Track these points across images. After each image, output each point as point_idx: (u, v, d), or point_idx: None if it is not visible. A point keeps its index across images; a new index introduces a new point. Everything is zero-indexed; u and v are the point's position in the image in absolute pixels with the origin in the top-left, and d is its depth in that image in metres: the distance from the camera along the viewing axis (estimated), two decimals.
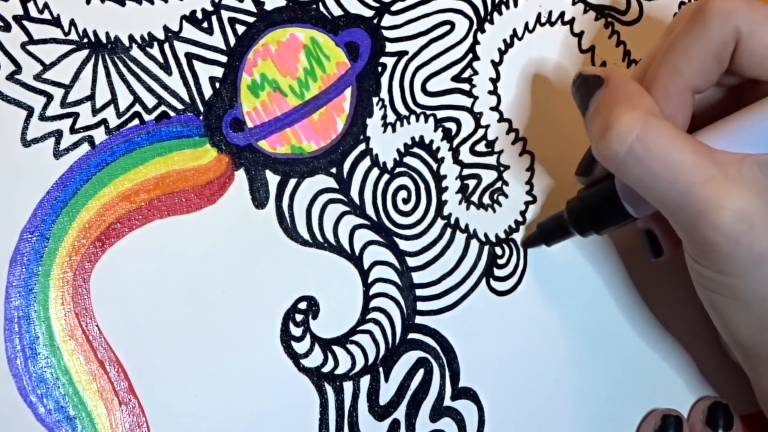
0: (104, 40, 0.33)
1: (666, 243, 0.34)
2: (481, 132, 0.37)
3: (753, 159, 0.28)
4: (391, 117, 0.36)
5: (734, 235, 0.27)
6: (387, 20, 0.36)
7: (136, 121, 0.33)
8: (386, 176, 0.36)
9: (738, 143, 0.28)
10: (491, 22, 0.37)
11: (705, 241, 0.28)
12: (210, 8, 0.34)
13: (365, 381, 0.35)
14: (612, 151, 0.28)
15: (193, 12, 0.34)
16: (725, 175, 0.27)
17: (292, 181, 0.35)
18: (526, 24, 0.37)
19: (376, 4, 0.36)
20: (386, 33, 0.36)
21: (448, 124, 0.36)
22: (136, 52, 0.34)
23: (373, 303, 0.35)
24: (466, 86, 0.37)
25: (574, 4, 0.38)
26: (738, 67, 0.29)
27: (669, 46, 0.30)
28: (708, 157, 0.28)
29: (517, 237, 0.37)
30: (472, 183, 0.36)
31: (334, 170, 0.35)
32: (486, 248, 0.36)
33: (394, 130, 0.36)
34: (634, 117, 0.28)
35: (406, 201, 0.36)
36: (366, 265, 0.35)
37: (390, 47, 0.36)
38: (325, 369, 0.34)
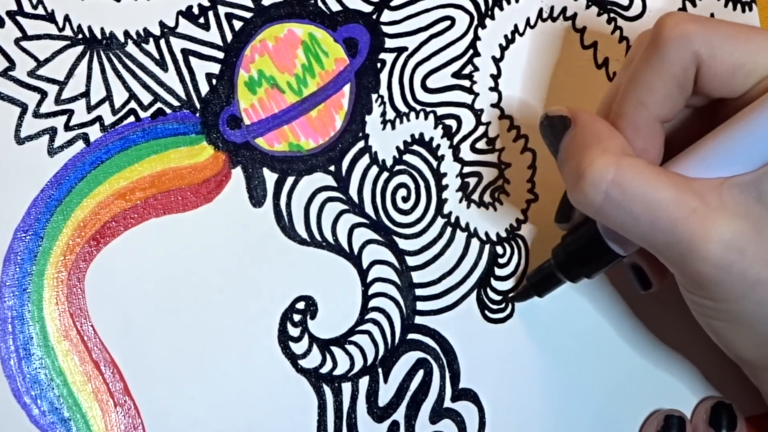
0: (99, 36, 0.33)
1: (653, 275, 0.34)
2: (481, 129, 0.36)
3: (732, 182, 0.27)
4: (391, 114, 0.35)
5: (725, 264, 0.27)
6: (386, 16, 0.36)
7: (131, 118, 0.33)
8: (385, 174, 0.35)
9: (714, 168, 0.28)
10: (492, 17, 0.37)
11: (697, 274, 0.28)
12: (206, 3, 0.34)
13: (364, 382, 0.34)
14: (588, 199, 0.28)
15: (190, 7, 0.34)
16: (707, 205, 0.27)
17: (290, 179, 0.34)
18: (528, 19, 0.37)
19: (375, 0, 0.36)
20: (385, 29, 0.36)
21: (448, 121, 0.36)
22: (131, 48, 0.33)
23: (372, 303, 0.35)
24: (466, 83, 0.36)
25: None
26: (703, 89, 0.29)
27: (630, 79, 0.30)
28: (686, 189, 0.27)
29: (519, 235, 0.36)
30: (472, 181, 0.36)
31: (332, 168, 0.35)
32: (487, 247, 0.36)
33: (393, 128, 0.35)
34: (607, 161, 0.28)
35: (405, 199, 0.35)
36: (365, 265, 0.35)
37: (389, 43, 0.36)
38: (324, 370, 0.34)
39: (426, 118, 0.36)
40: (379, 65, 0.36)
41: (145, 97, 0.33)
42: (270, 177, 0.34)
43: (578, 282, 0.34)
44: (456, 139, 0.36)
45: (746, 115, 0.27)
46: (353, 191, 0.35)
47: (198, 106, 0.34)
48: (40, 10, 0.33)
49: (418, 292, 0.35)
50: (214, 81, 0.34)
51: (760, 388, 0.32)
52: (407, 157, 0.36)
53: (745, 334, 0.29)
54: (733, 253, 0.27)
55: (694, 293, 0.29)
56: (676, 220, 0.27)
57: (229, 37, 0.34)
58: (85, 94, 0.33)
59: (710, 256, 0.27)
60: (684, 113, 0.31)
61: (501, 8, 0.37)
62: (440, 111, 0.36)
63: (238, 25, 0.34)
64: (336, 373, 0.34)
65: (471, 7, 0.37)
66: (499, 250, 0.36)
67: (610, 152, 0.28)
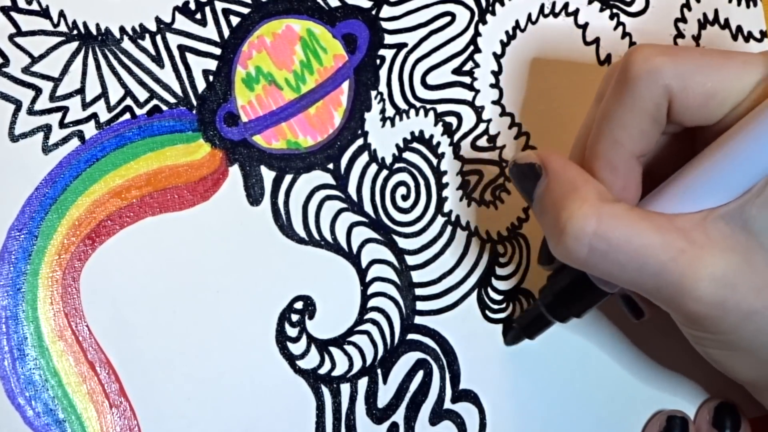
0: (94, 32, 0.33)
1: (644, 304, 0.33)
2: (482, 126, 0.36)
3: (716, 214, 0.27)
4: (390, 111, 0.35)
5: (719, 301, 0.27)
6: (386, 11, 0.35)
7: (127, 116, 0.33)
8: (385, 172, 0.35)
9: (696, 200, 0.27)
10: (493, 13, 0.36)
11: (690, 313, 0.27)
12: None
13: (363, 383, 0.34)
14: (573, 254, 0.28)
15: (186, 3, 0.34)
16: (693, 243, 0.26)
17: (288, 177, 0.34)
18: (529, 15, 0.37)
19: None
20: (385, 24, 0.35)
21: (448, 119, 0.36)
22: (127, 44, 0.33)
23: (371, 303, 0.34)
24: (467, 79, 0.36)
25: None
26: (676, 119, 0.28)
27: (602, 118, 0.29)
28: (670, 230, 0.27)
29: (520, 233, 0.36)
30: (473, 179, 0.36)
31: (331, 166, 0.34)
32: (488, 246, 0.36)
33: (393, 125, 0.35)
34: (586, 212, 0.27)
35: (405, 197, 0.35)
36: (364, 264, 0.34)
37: (389, 39, 0.35)
38: (322, 371, 0.34)
39: (426, 115, 0.36)
40: (378, 62, 0.35)
41: (141, 94, 0.33)
42: (268, 175, 0.34)
43: (568, 322, 0.33)
44: (456, 137, 0.36)
45: (723, 143, 0.27)
46: (352, 189, 0.35)
47: (195, 103, 0.33)
48: (35, 6, 0.32)
49: (418, 291, 0.35)
50: (210, 77, 0.34)
51: (765, 405, 0.32)
52: (407, 155, 0.35)
53: (744, 360, 0.29)
54: (725, 288, 0.26)
55: (690, 327, 0.29)
56: (664, 264, 0.26)
57: (226, 33, 0.34)
58: (81, 91, 0.33)
59: (702, 295, 0.26)
60: (660, 140, 0.31)
61: (502, 4, 0.37)
62: (440, 108, 0.36)
63: (235, 20, 0.34)
64: (334, 373, 0.34)
65: (472, 3, 0.36)
66: (500, 249, 0.36)
67: (588, 201, 0.27)
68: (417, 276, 0.35)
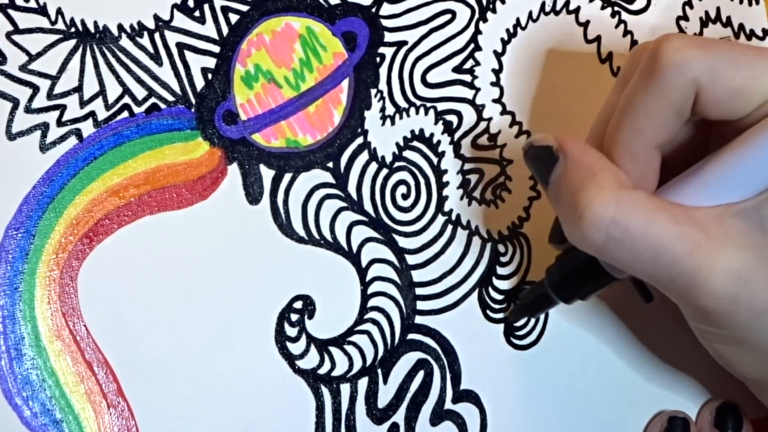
0: (92, 30, 0.33)
1: (654, 288, 0.33)
2: (483, 125, 0.36)
3: (733, 210, 0.27)
4: (390, 109, 0.35)
5: (731, 297, 0.26)
6: (386, 9, 0.35)
7: (125, 114, 0.33)
8: (385, 171, 0.35)
9: (714, 194, 0.27)
10: (493, 11, 0.36)
11: (702, 307, 0.27)
12: None
13: (363, 383, 0.34)
14: (589, 239, 0.27)
15: (185, 1, 0.33)
16: (709, 237, 0.26)
17: (288, 176, 0.34)
18: (530, 13, 0.37)
19: None
20: (385, 22, 0.35)
21: (449, 117, 0.36)
22: (125, 41, 0.33)
23: (372, 302, 0.34)
24: (467, 77, 0.36)
25: None
26: (701, 112, 0.28)
27: (625, 105, 0.29)
28: (688, 222, 0.27)
29: (521, 232, 0.36)
30: (473, 178, 0.36)
31: (330, 164, 0.34)
32: (488, 245, 0.35)
33: (393, 123, 0.35)
34: (605, 199, 0.27)
35: (405, 196, 0.35)
36: (364, 263, 0.34)
37: (389, 37, 0.35)
38: (322, 371, 0.33)
39: (426, 113, 0.35)
40: (378, 60, 0.35)
41: (139, 92, 0.33)
42: (267, 174, 0.34)
43: (572, 303, 0.33)
44: (457, 135, 0.36)
45: (746, 140, 0.27)
46: (352, 188, 0.34)
47: (193, 101, 0.33)
48: (32, 3, 0.32)
49: (419, 291, 0.35)
50: (209, 75, 0.33)
51: (767, 404, 0.32)
52: (407, 154, 0.35)
53: (751, 357, 0.29)
54: (738, 284, 0.26)
55: (699, 322, 0.29)
56: (679, 256, 0.26)
57: (225, 30, 0.34)
58: (78, 89, 0.32)
59: (715, 290, 0.26)
60: (680, 130, 0.31)
61: (503, 1, 0.36)
62: (441, 106, 0.36)
63: (234, 18, 0.34)
64: (334, 373, 0.34)
65: (472, 1, 0.36)
66: (501, 248, 0.36)
67: (607, 188, 0.27)
68: (417, 275, 0.35)
